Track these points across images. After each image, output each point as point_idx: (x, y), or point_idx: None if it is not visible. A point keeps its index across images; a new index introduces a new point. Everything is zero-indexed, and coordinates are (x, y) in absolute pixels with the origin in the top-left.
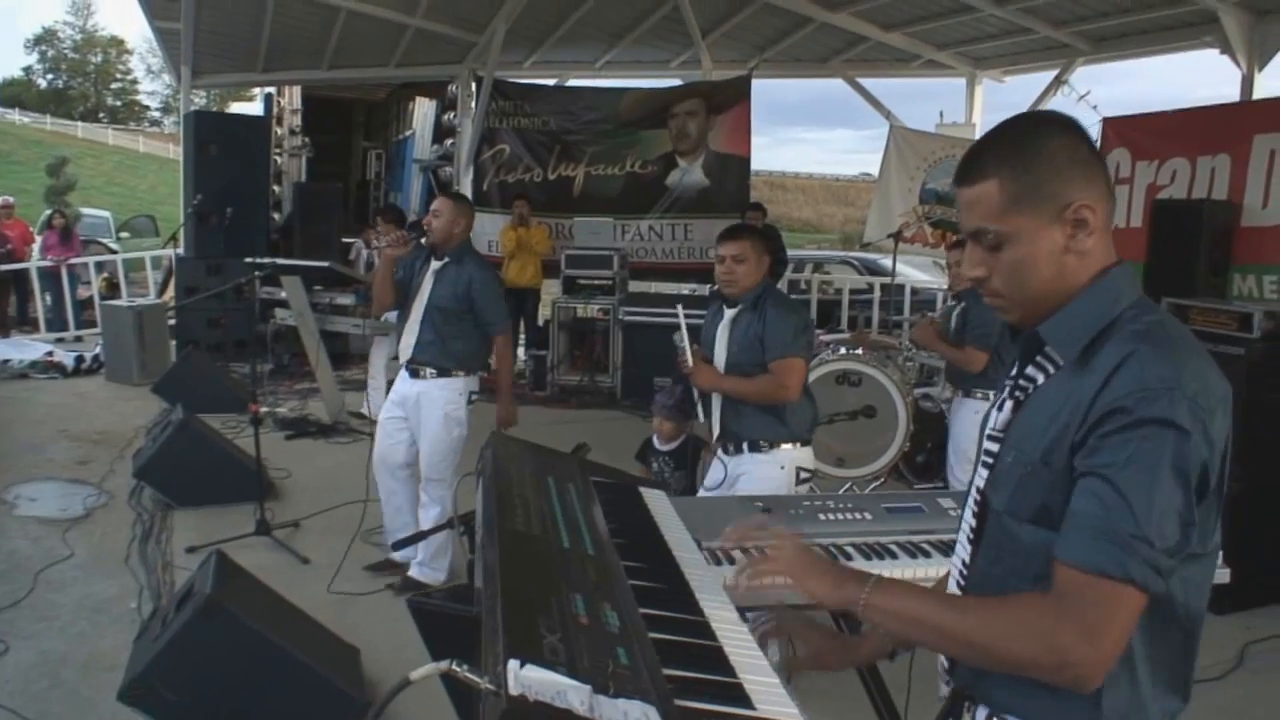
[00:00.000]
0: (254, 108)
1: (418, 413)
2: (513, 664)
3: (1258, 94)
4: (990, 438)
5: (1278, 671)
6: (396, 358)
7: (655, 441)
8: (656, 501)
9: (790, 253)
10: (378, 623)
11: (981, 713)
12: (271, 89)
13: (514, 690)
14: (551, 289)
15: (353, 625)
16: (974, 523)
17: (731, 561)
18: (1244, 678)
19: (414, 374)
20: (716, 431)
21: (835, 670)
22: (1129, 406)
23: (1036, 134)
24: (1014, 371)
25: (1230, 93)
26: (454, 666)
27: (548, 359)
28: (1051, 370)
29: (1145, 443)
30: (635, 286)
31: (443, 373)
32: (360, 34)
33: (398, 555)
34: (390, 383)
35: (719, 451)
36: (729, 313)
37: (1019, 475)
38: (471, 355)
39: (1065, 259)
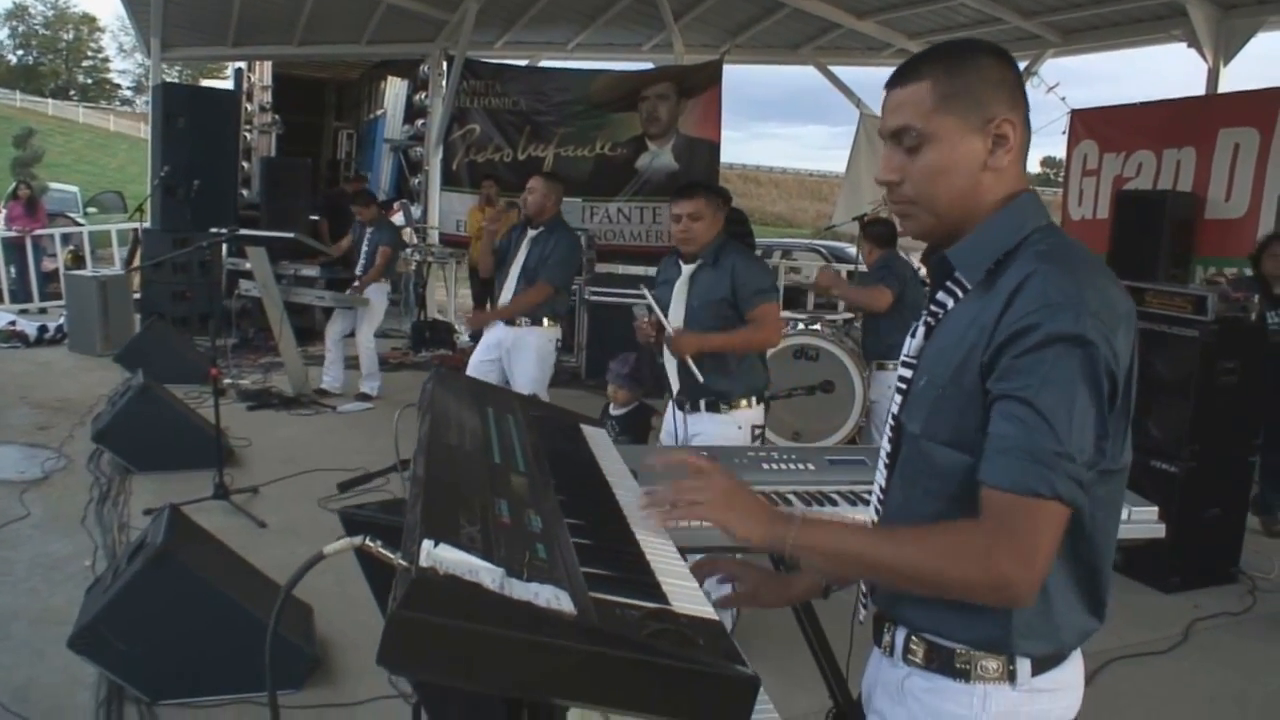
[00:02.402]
0: (225, 85)
1: (510, 355)
2: (427, 543)
3: (1223, 87)
4: (904, 364)
5: (1223, 648)
6: (353, 334)
7: (610, 408)
8: (596, 437)
9: (758, 240)
10: (331, 584)
11: (901, 633)
12: (242, 64)
13: (425, 563)
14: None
15: (306, 585)
16: (889, 449)
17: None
18: (1190, 652)
19: (509, 322)
20: (676, 388)
21: (772, 607)
22: (1035, 324)
23: (972, 50)
24: (927, 300)
25: (1196, 86)
26: (368, 542)
27: None
28: (960, 294)
29: (1058, 360)
30: (602, 268)
31: (535, 322)
32: (332, 9)
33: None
34: (348, 358)
35: (674, 409)
36: (687, 269)
37: (932, 398)
38: (555, 309)
39: (981, 174)
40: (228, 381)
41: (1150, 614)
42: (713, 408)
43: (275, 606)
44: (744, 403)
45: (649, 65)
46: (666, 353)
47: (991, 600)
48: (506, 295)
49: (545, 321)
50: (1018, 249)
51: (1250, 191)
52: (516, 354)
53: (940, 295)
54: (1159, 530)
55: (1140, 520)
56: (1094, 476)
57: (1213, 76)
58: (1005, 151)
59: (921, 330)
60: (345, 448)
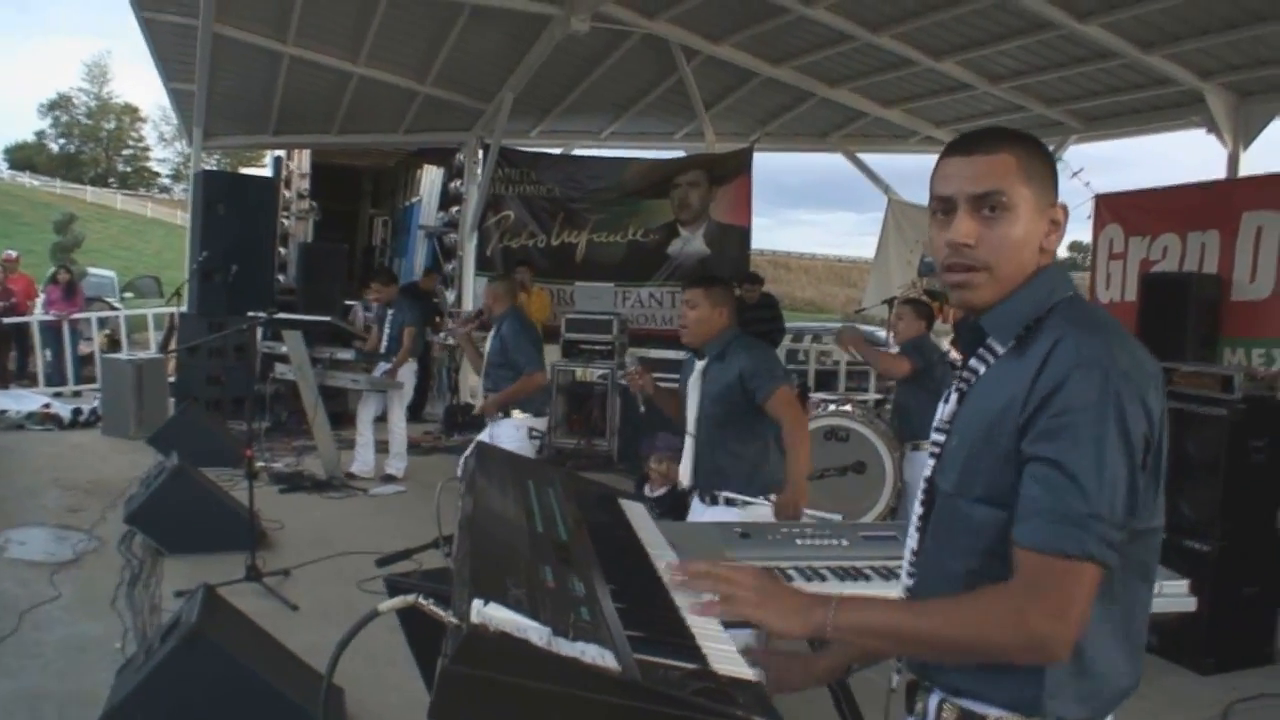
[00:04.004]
0: (264, 173)
1: None
2: (477, 601)
3: (1243, 171)
4: (937, 429)
5: None
6: (383, 417)
7: (647, 489)
8: (635, 510)
9: (789, 324)
10: (364, 666)
11: (934, 700)
12: (281, 152)
13: (476, 620)
14: (551, 354)
15: (339, 668)
16: (922, 511)
17: None
18: None
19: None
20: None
21: (799, 690)
22: (1067, 385)
23: (1036, 139)
24: (959, 367)
25: (1217, 171)
26: (421, 600)
27: (546, 422)
28: (991, 360)
29: (1088, 421)
30: (634, 353)
31: (505, 414)
32: (371, 99)
33: None
34: (379, 441)
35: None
36: (699, 365)
37: (964, 457)
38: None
39: (1035, 252)
40: (261, 464)
41: (1187, 697)
42: (731, 501)
43: (326, 675)
44: (760, 498)
45: (681, 153)
46: (687, 445)
47: (1030, 660)
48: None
49: (515, 413)
50: (1047, 316)
51: (1275, 273)
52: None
53: (972, 363)
54: (1190, 604)
55: (1171, 594)
56: (1125, 536)
57: (1233, 161)
58: (1056, 237)
59: (955, 396)
60: (377, 530)
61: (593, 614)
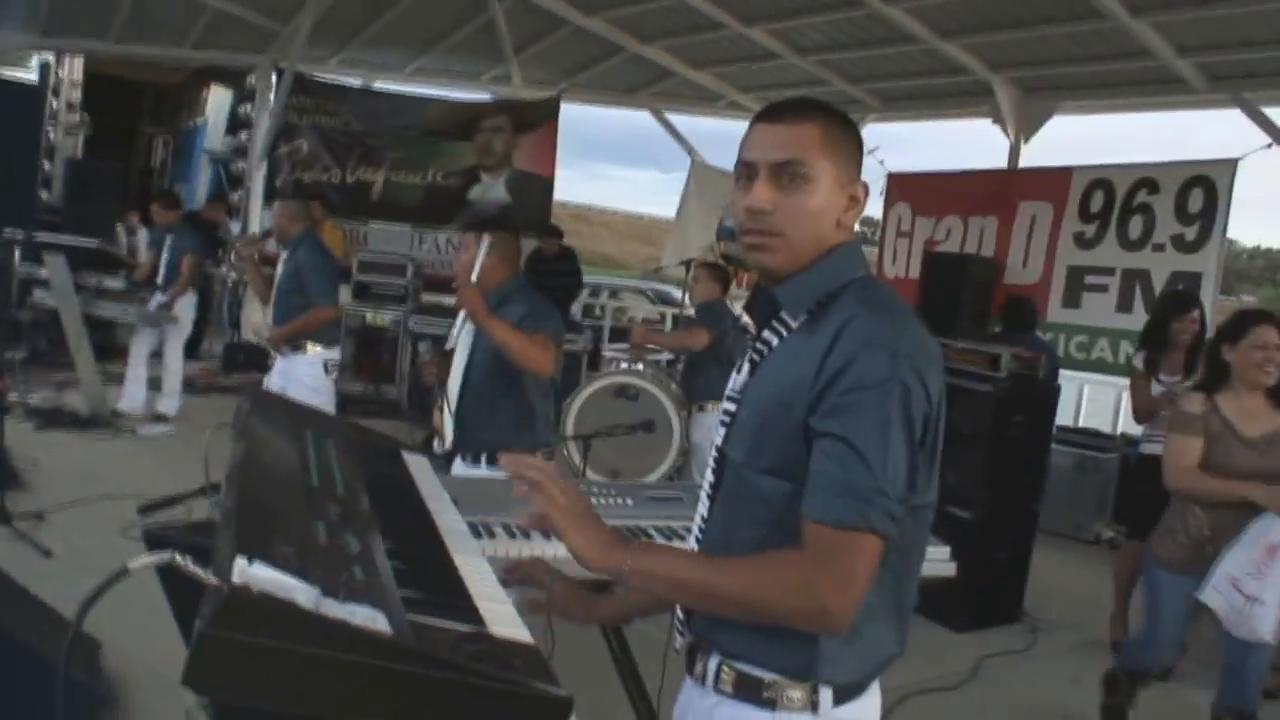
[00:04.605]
0: (29, 76)
1: (287, 388)
2: (240, 560)
3: (1023, 163)
4: (729, 399)
5: (1008, 684)
6: (159, 353)
7: (435, 444)
8: (417, 463)
9: (586, 279)
10: (123, 617)
11: (713, 661)
12: (50, 56)
13: (238, 580)
14: (341, 295)
15: (95, 619)
16: (713, 479)
17: (492, 535)
18: (978, 688)
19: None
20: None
21: (576, 622)
22: (854, 364)
23: (845, 115)
24: (752, 338)
25: (1000, 160)
26: (178, 558)
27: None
28: (784, 334)
29: (873, 400)
30: (429, 298)
31: (297, 349)
32: (154, 6)
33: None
34: (152, 378)
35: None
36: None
37: (754, 428)
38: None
39: (831, 227)
40: (14, 397)
41: (942, 651)
42: (492, 461)
43: (67, 638)
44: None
45: (486, 96)
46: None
47: (811, 628)
48: (267, 321)
49: (309, 347)
50: (840, 293)
51: (1044, 260)
52: (290, 387)
53: (766, 334)
54: (950, 569)
55: (933, 559)
56: (905, 510)
57: (1014, 152)
58: (855, 213)
59: (746, 366)
60: (145, 473)
61: (367, 573)
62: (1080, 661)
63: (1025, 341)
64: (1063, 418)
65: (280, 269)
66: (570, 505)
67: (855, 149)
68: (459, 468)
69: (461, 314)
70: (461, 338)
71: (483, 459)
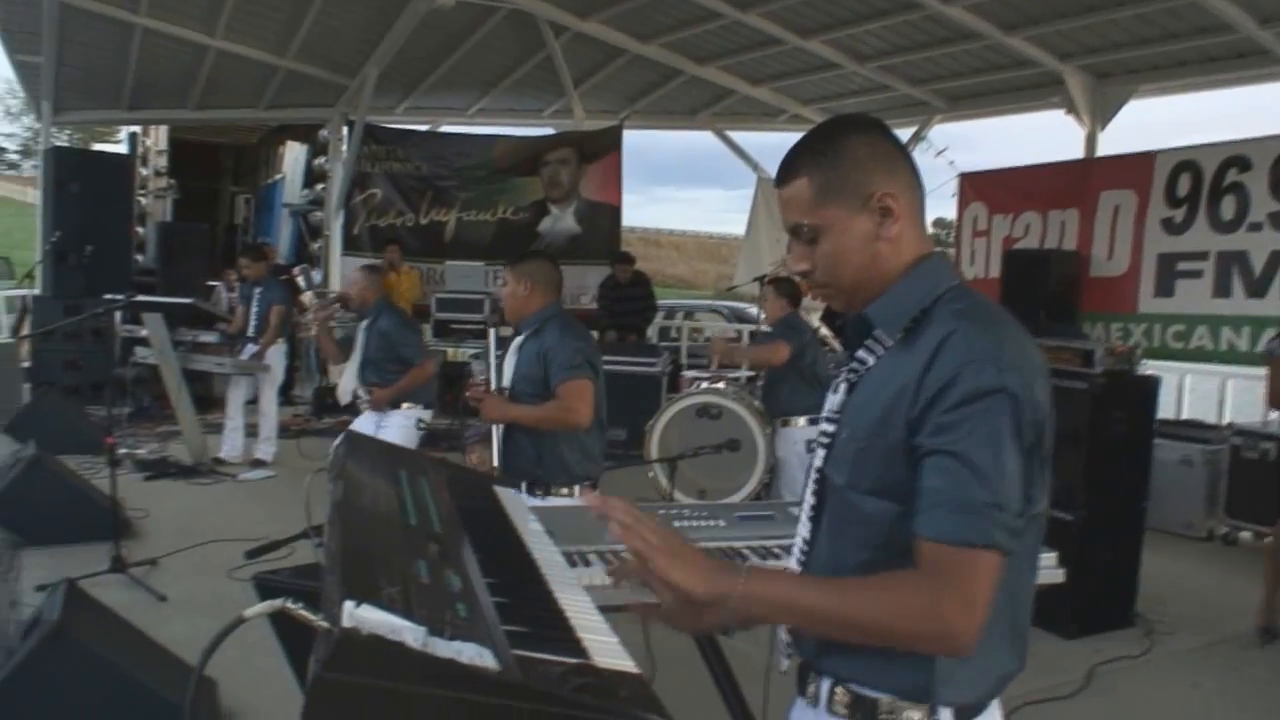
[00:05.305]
0: (119, 150)
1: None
2: (348, 603)
3: (1100, 152)
4: (827, 419)
5: (1124, 691)
6: (254, 400)
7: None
8: (510, 497)
9: (661, 302)
10: (238, 656)
11: (826, 683)
12: (136, 129)
13: (348, 624)
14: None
15: (212, 659)
16: (814, 501)
17: (587, 564)
18: (1093, 696)
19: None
20: (495, 461)
21: (683, 631)
22: (959, 380)
23: (838, 133)
24: (846, 357)
25: (1076, 151)
26: (289, 604)
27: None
28: (881, 352)
29: (983, 413)
30: (507, 332)
31: (394, 406)
32: (230, 74)
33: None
34: (249, 425)
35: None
36: (516, 340)
37: (855, 450)
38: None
39: (877, 246)
40: (123, 451)
41: (1053, 660)
42: (533, 491)
43: (192, 682)
44: (564, 490)
45: (550, 130)
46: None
47: (936, 650)
48: (345, 383)
49: (404, 405)
50: (933, 307)
51: (1130, 250)
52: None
53: (861, 353)
54: (1058, 575)
55: (1041, 566)
56: (1023, 524)
57: (1090, 141)
58: (893, 221)
59: (844, 387)
60: (247, 517)
61: (470, 610)
62: (1200, 665)
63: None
64: (1164, 411)
65: (363, 336)
66: (664, 542)
67: (863, 163)
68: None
69: (513, 345)
70: (505, 364)
71: (523, 487)
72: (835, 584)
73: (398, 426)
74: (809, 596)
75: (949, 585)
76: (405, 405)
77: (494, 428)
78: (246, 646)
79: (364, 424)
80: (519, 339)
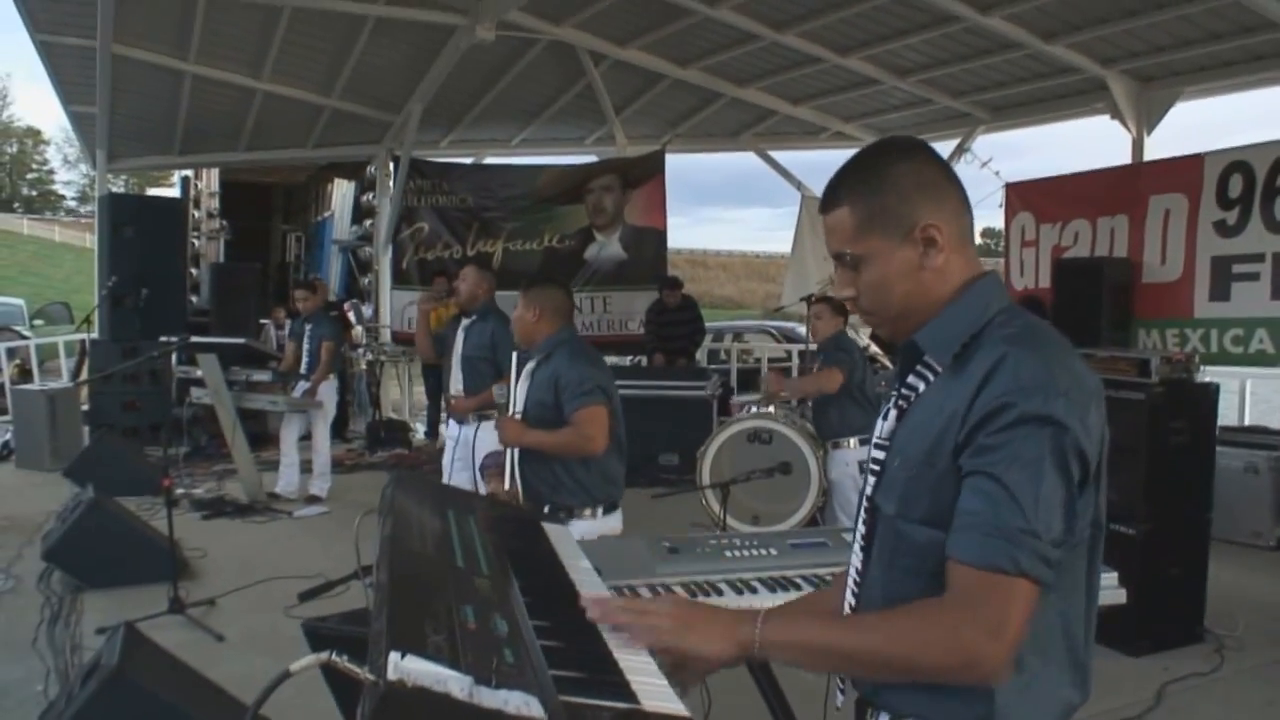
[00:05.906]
0: (172, 194)
1: (471, 452)
2: (393, 655)
3: (1148, 156)
4: (876, 446)
5: (1195, 710)
6: (307, 436)
7: None
8: (559, 534)
9: (709, 323)
10: (294, 696)
11: (884, 718)
12: (189, 172)
13: (393, 677)
14: None
15: (270, 700)
16: (864, 530)
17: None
18: (1164, 716)
19: (460, 420)
20: (520, 494)
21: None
22: (1008, 405)
23: (882, 161)
24: (897, 382)
25: (1123, 156)
26: (334, 657)
27: None
28: (931, 378)
29: (1027, 439)
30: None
31: (484, 417)
32: (277, 115)
33: None
34: (303, 461)
35: None
36: (528, 365)
37: (905, 478)
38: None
39: (921, 275)
40: (181, 491)
41: (1121, 679)
42: (555, 515)
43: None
44: (587, 512)
45: (592, 158)
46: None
47: (965, 679)
48: (453, 385)
49: (495, 415)
50: (983, 331)
51: (1183, 254)
52: (469, 454)
53: (911, 379)
54: (1120, 595)
55: (1102, 586)
56: (1061, 554)
57: (1137, 145)
58: (937, 252)
59: (893, 413)
60: (303, 554)
61: (517, 656)
62: (1275, 681)
63: None
64: (1226, 417)
65: (465, 336)
66: (670, 617)
67: (907, 194)
68: None
69: (525, 370)
70: (518, 389)
71: (544, 512)
72: (853, 620)
73: (488, 436)
74: (825, 636)
75: (974, 610)
76: (496, 414)
77: (508, 452)
78: (303, 688)
79: (453, 437)
80: (530, 364)
